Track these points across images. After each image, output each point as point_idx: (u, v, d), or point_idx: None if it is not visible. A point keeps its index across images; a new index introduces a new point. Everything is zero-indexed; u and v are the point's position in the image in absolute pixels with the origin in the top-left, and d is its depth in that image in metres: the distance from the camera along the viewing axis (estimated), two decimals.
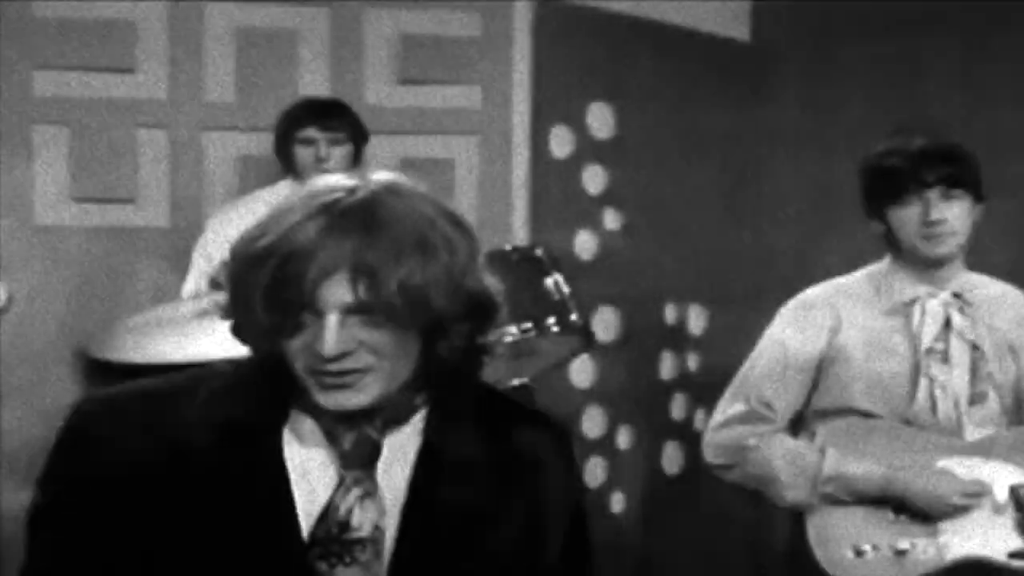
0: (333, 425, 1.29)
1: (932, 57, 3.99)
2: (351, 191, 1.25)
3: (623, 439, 4.11)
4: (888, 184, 2.41)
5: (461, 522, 1.31)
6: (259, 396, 1.31)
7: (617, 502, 4.09)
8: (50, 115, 3.37)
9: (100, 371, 2.69)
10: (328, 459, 1.30)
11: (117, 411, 1.32)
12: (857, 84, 4.14)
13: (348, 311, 1.21)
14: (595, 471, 4.04)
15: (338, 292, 1.21)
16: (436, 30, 3.68)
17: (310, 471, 1.29)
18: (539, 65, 3.79)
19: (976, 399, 2.41)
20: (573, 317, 2.71)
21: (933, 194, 2.37)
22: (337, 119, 3.17)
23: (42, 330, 3.30)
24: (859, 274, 2.55)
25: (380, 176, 1.29)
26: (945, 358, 2.40)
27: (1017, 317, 2.50)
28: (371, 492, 1.28)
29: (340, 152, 3.15)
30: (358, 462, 1.29)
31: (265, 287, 1.22)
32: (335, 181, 1.27)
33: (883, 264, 2.51)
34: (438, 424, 1.34)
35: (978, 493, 2.35)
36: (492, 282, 1.31)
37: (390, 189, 1.26)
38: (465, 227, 1.29)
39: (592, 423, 4.03)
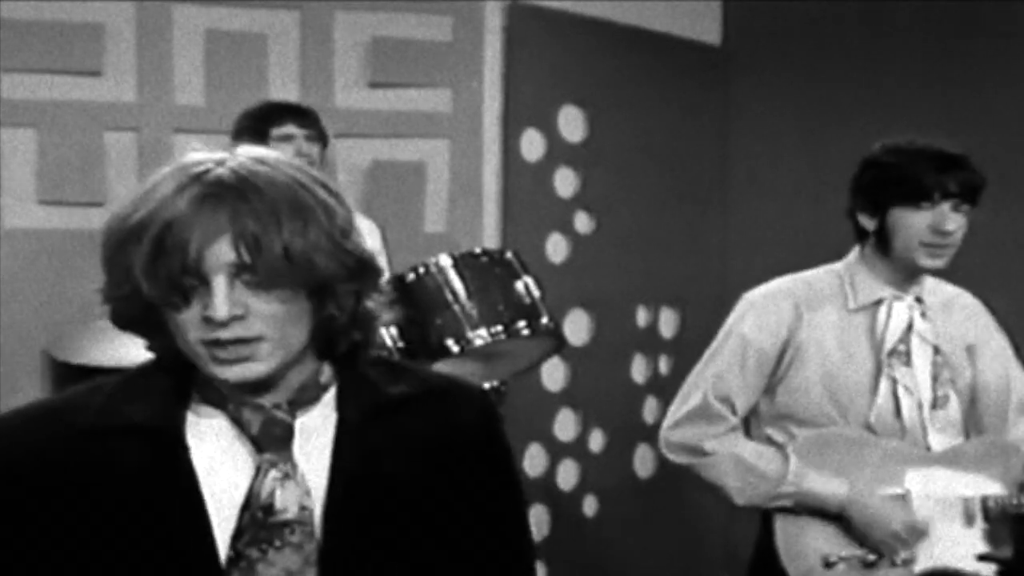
0: (238, 412, 1.28)
1: (902, 60, 4.02)
2: (219, 162, 1.24)
3: (595, 442, 4.12)
4: (904, 184, 2.29)
5: (388, 494, 1.31)
6: (156, 395, 1.29)
7: (589, 505, 4.10)
8: (17, 118, 3.34)
9: (65, 374, 2.66)
10: (242, 447, 1.29)
11: (12, 430, 1.29)
12: (826, 88, 4.16)
13: (235, 273, 1.20)
14: (567, 474, 4.04)
15: (222, 254, 1.20)
16: (406, 33, 3.67)
17: (224, 463, 1.28)
18: (510, 69, 3.79)
19: (939, 403, 2.39)
20: (544, 320, 2.71)
21: (947, 205, 2.29)
22: (310, 118, 3.17)
23: (9, 333, 3.27)
24: (820, 271, 2.48)
25: (245, 149, 1.28)
26: (907, 360, 2.37)
27: (970, 319, 2.50)
28: (290, 474, 1.27)
29: (315, 151, 3.14)
30: (271, 445, 1.28)
31: (145, 259, 1.20)
32: (202, 154, 1.26)
33: (847, 263, 2.46)
34: (350, 399, 1.33)
35: (918, 534, 2.33)
36: (370, 246, 1.30)
37: (257, 159, 1.25)
38: (338, 193, 1.28)
39: (564, 426, 4.03)
